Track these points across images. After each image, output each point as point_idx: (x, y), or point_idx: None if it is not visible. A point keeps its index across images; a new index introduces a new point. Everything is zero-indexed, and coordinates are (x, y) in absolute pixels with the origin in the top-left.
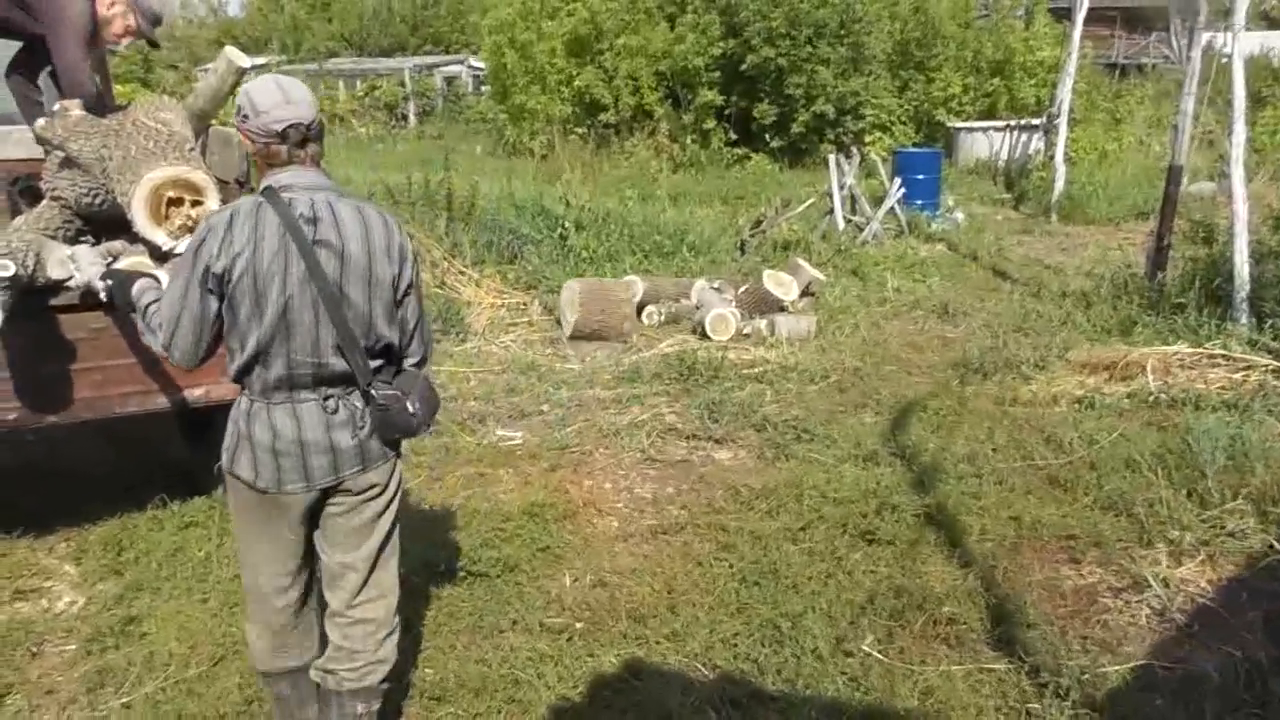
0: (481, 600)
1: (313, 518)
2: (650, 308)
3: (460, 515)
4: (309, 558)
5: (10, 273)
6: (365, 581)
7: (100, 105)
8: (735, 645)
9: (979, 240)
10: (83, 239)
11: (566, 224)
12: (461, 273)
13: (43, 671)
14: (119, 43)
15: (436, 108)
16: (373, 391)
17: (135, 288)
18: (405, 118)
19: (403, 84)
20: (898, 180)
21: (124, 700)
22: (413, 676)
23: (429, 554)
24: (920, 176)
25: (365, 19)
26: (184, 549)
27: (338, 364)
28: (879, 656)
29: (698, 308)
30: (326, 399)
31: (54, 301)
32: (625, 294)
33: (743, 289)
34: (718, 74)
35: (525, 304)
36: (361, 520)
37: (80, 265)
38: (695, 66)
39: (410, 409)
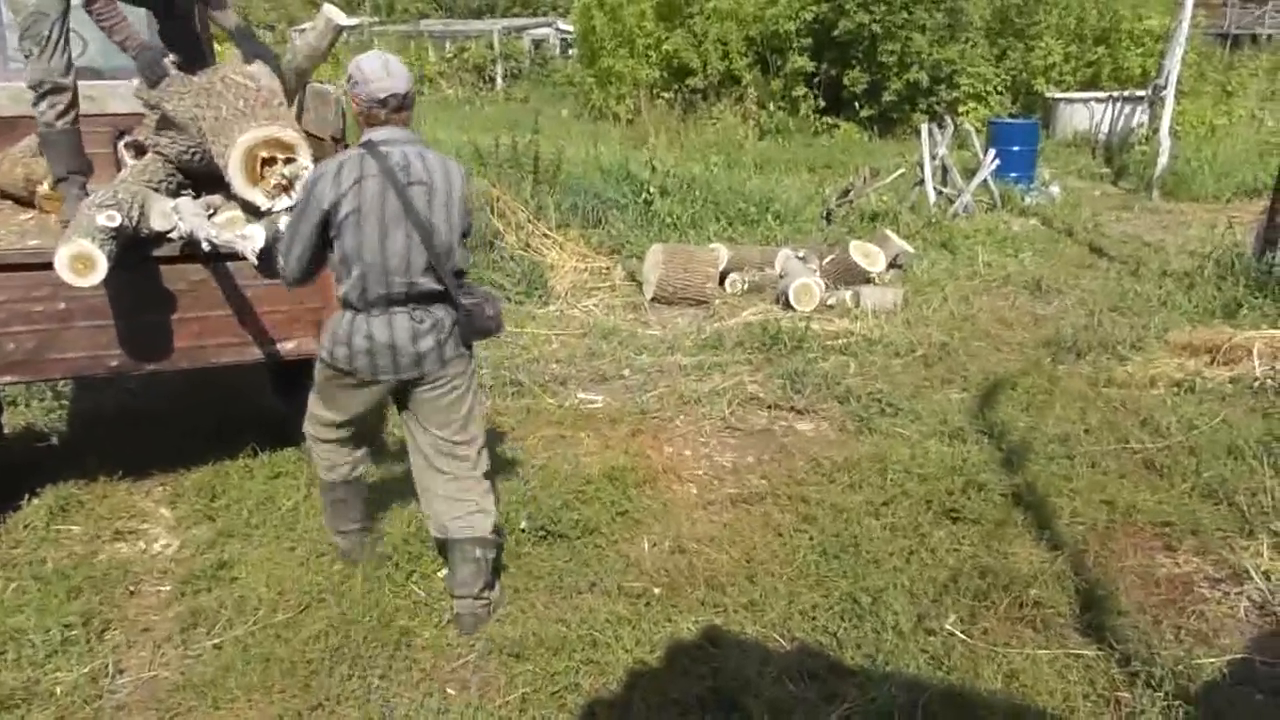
0: (561, 561)
1: (395, 398)
2: (733, 275)
3: (541, 476)
4: (372, 415)
5: (116, 223)
6: (463, 440)
7: (194, 61)
8: (814, 618)
9: (1075, 215)
10: (184, 192)
11: (651, 189)
12: (545, 235)
13: (139, 610)
14: None
15: (524, 70)
16: (462, 300)
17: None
18: (493, 80)
19: (491, 46)
20: (992, 152)
21: (215, 641)
22: (492, 632)
23: (510, 512)
24: (1015, 148)
25: None
26: (273, 498)
27: (426, 283)
28: (962, 636)
29: (781, 277)
30: (415, 311)
31: (156, 252)
32: (709, 260)
33: (828, 259)
34: (809, 39)
35: (608, 269)
36: (449, 400)
37: (184, 216)
38: (786, 31)
39: (488, 313)
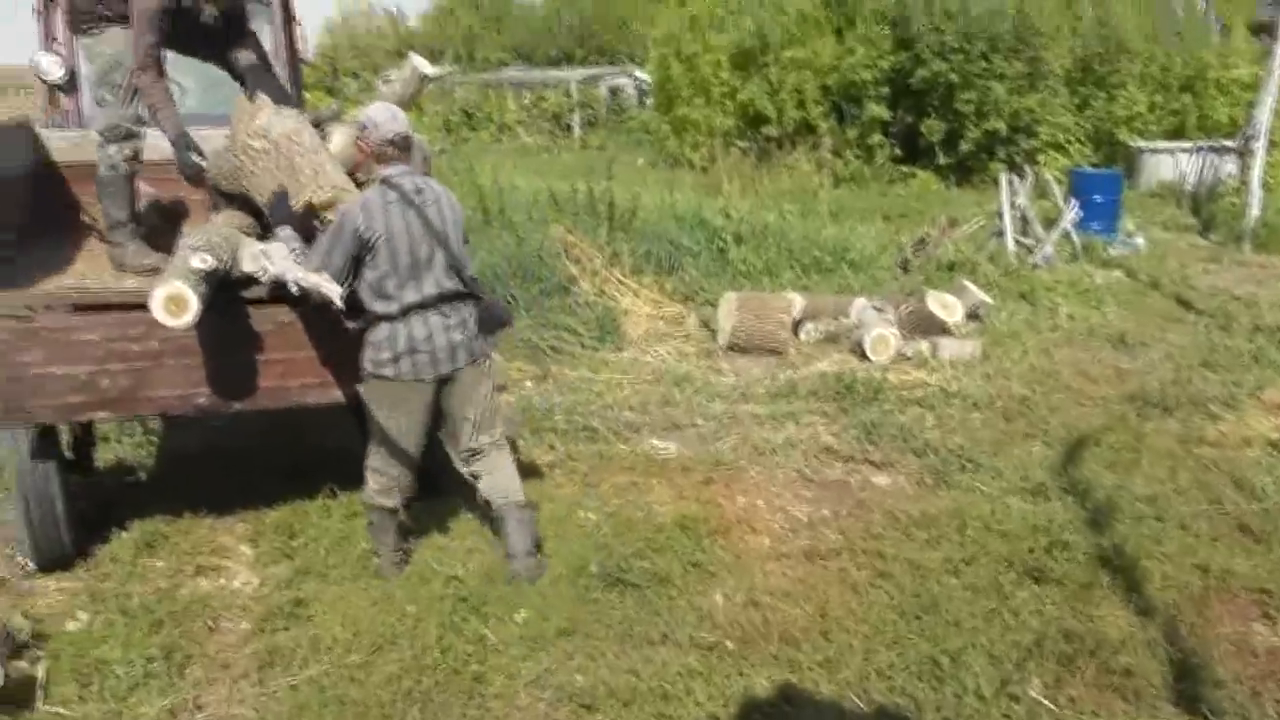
0: (632, 610)
1: (436, 400)
2: (808, 324)
3: (613, 522)
4: (430, 432)
5: (210, 266)
6: (489, 418)
7: (266, 88)
8: (891, 678)
9: (1161, 267)
10: (273, 235)
11: (725, 236)
12: (620, 282)
13: (219, 646)
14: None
15: (600, 118)
16: (481, 296)
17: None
18: (570, 128)
19: (569, 95)
20: (1073, 202)
21: (291, 681)
22: (563, 681)
23: (581, 557)
24: (1098, 198)
25: (535, 30)
26: (350, 537)
27: (449, 284)
28: (1047, 704)
29: (857, 326)
30: (444, 309)
31: (245, 294)
32: (783, 308)
33: (904, 309)
34: (885, 88)
35: (682, 315)
36: (479, 386)
37: (273, 260)
38: (863, 80)
39: (500, 307)
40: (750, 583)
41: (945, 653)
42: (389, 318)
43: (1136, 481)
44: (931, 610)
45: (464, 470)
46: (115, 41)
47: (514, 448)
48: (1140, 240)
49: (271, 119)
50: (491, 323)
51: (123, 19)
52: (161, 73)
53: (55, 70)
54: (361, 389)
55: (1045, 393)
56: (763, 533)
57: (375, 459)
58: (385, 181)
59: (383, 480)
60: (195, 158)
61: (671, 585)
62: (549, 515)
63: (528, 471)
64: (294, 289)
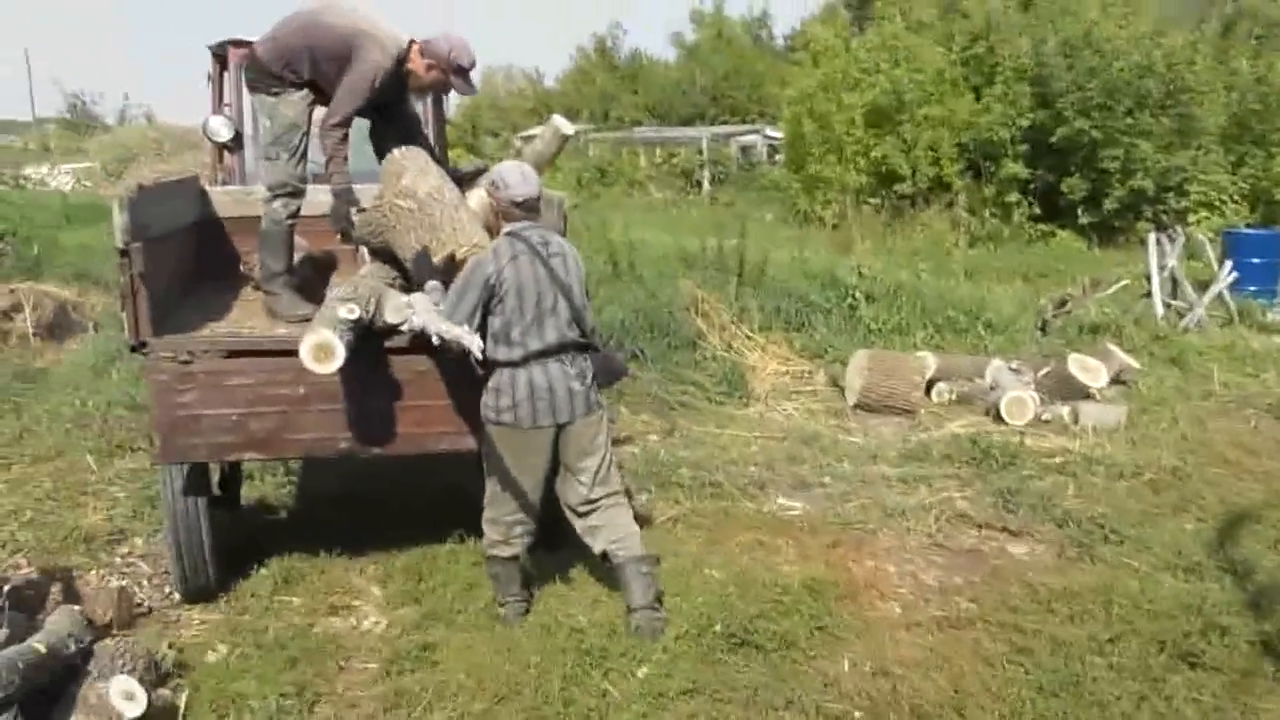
0: (757, 673)
1: (553, 450)
2: (941, 385)
3: (738, 581)
4: (547, 482)
5: (355, 316)
6: (606, 470)
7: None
8: None
9: None
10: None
11: (856, 294)
12: (748, 337)
13: (347, 685)
14: (424, 95)
15: (730, 175)
16: (599, 348)
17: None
18: (699, 184)
19: (700, 152)
20: (1228, 264)
21: None
22: None
23: (705, 616)
24: (1255, 260)
25: (667, 90)
26: (477, 585)
27: (571, 334)
28: None
29: (992, 388)
30: (564, 359)
31: (387, 344)
32: (915, 368)
33: (1044, 372)
34: (1024, 146)
35: (810, 373)
36: (594, 435)
37: (418, 312)
38: (1000, 138)
39: (619, 358)
40: (879, 651)
41: None
42: (511, 364)
43: None
44: (1074, 690)
45: (579, 524)
46: (296, 105)
47: (633, 500)
48: None
49: (416, 178)
50: (610, 374)
51: (305, 85)
52: (347, 135)
53: (224, 132)
54: (484, 438)
55: (1199, 464)
56: (892, 599)
57: (492, 509)
58: (511, 234)
59: (500, 530)
60: (354, 213)
61: (797, 649)
62: (672, 570)
63: (651, 526)
64: (435, 340)
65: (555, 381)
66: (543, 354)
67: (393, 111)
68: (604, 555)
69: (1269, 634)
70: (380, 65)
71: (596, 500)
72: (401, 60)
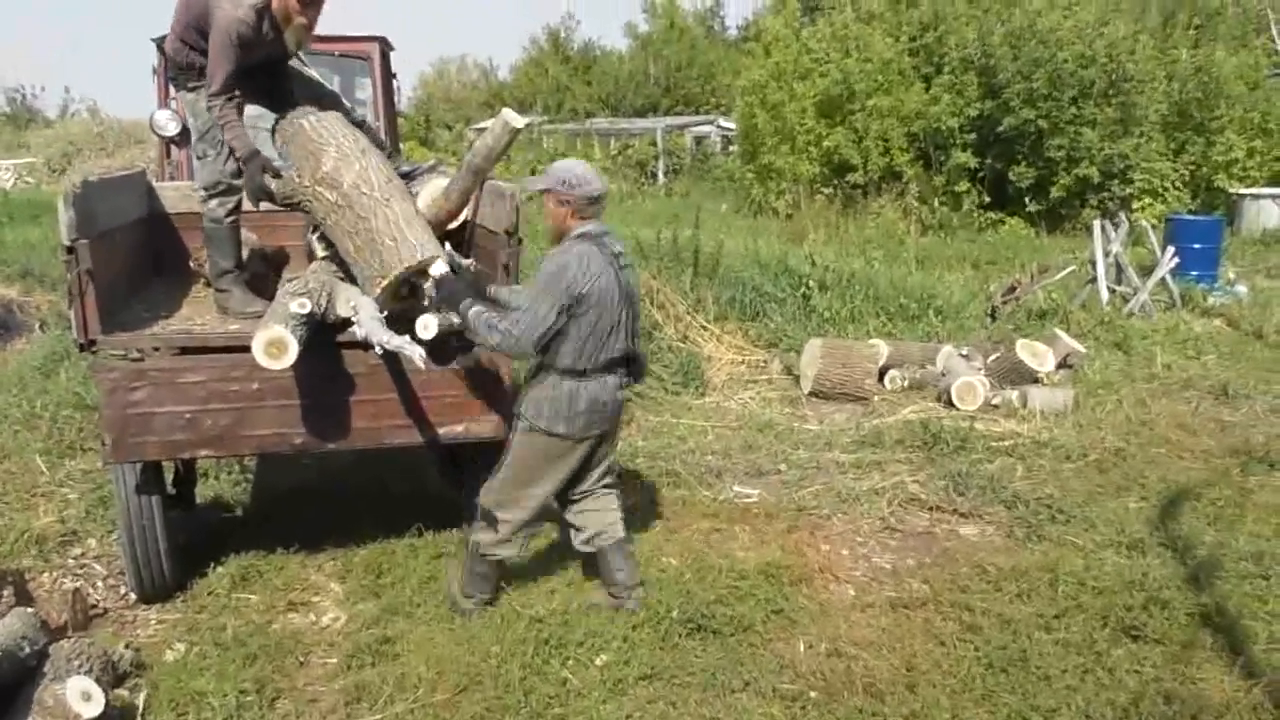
0: (714, 657)
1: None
2: (893, 372)
3: (695, 568)
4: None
5: (307, 310)
6: (613, 463)
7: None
8: None
9: (1265, 317)
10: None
11: (810, 283)
12: (704, 328)
13: (308, 680)
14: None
15: (685, 166)
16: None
17: (464, 303)
18: (655, 175)
19: (654, 143)
20: (1170, 249)
21: (376, 718)
22: None
23: (663, 603)
24: (1196, 246)
25: (621, 81)
26: (436, 578)
27: (628, 348)
28: None
29: (943, 375)
30: (619, 372)
31: (340, 338)
32: (868, 355)
33: (993, 357)
34: (972, 135)
35: (765, 362)
36: (615, 438)
37: (361, 320)
38: (949, 127)
39: (645, 358)
40: (834, 632)
41: (1037, 710)
42: (574, 375)
43: (1240, 538)
44: (1022, 665)
45: (572, 510)
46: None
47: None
48: (1242, 288)
49: (338, 164)
50: (639, 378)
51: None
52: (235, 101)
53: (171, 126)
54: (517, 439)
55: (1141, 445)
56: (846, 582)
57: (505, 510)
58: (592, 239)
59: (508, 529)
60: (269, 179)
61: (754, 633)
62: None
63: None
64: (378, 349)
65: (610, 393)
66: (606, 367)
67: (279, 70)
68: (586, 542)
69: (1207, 607)
70: (234, 19)
71: (594, 487)
72: (262, 10)
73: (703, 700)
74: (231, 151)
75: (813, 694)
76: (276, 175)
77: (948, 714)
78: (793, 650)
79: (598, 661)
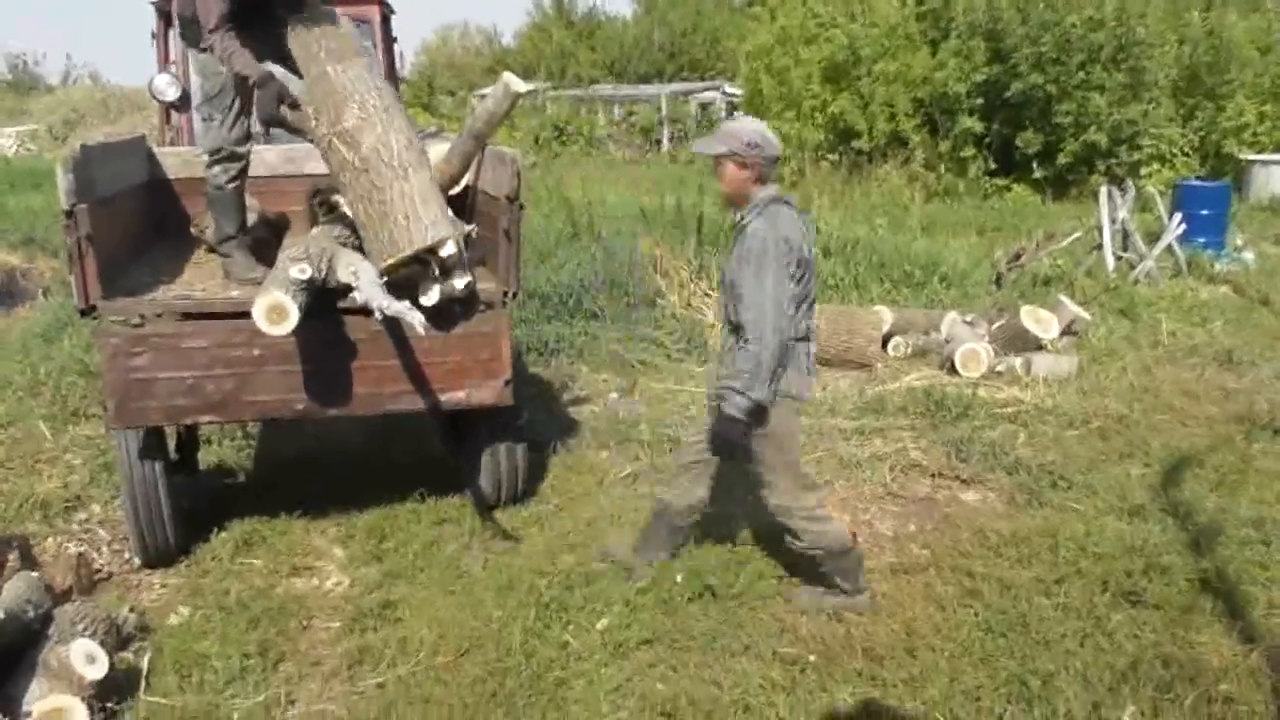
0: (715, 621)
1: None
2: (897, 339)
3: (696, 533)
4: None
5: (307, 276)
6: None
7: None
8: (978, 699)
9: (1272, 283)
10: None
11: (814, 250)
12: (707, 295)
13: (310, 644)
14: None
15: (690, 133)
16: None
17: (713, 392)
18: (659, 142)
19: (659, 110)
20: (1177, 215)
21: (379, 680)
22: (645, 690)
23: (665, 568)
24: (1204, 212)
25: (626, 47)
26: (438, 543)
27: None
28: None
29: (947, 341)
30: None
31: (342, 304)
32: (872, 322)
33: (997, 324)
34: (979, 100)
35: None
36: None
37: (361, 285)
38: (956, 93)
39: None
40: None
41: (1035, 674)
42: (800, 339)
43: (1242, 504)
44: (1021, 630)
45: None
46: None
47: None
48: (1249, 255)
49: (361, 124)
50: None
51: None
52: (234, 31)
53: (170, 91)
54: (772, 422)
55: (1145, 411)
56: None
57: (799, 498)
58: (784, 202)
59: (804, 499)
60: (284, 110)
61: (755, 598)
62: (633, 525)
63: (611, 482)
64: (378, 314)
65: (812, 355)
66: (807, 330)
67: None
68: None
69: (1207, 572)
70: None
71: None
72: None
73: (703, 663)
74: (244, 80)
75: (812, 657)
76: (295, 106)
77: (946, 677)
78: (793, 614)
79: (599, 625)
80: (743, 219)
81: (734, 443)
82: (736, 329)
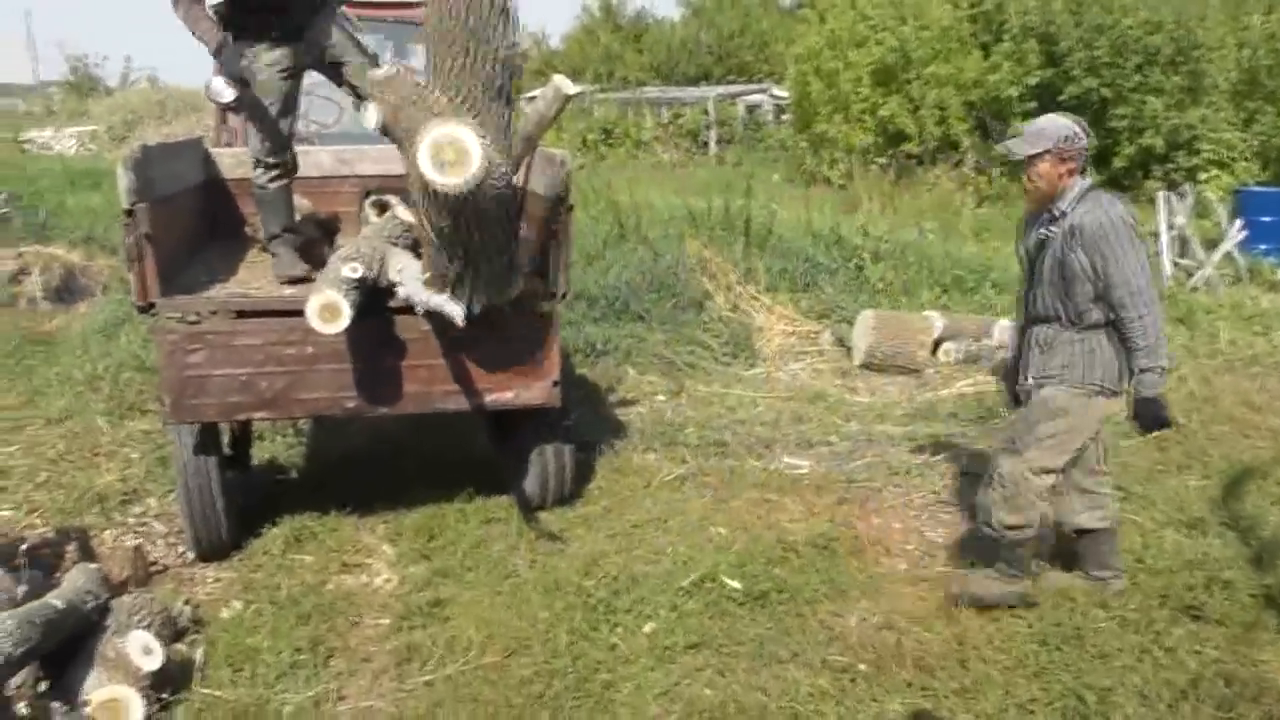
0: (763, 627)
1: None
2: (947, 344)
3: (745, 538)
4: None
5: (359, 275)
6: None
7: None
8: (1032, 712)
9: None
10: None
11: (863, 254)
12: (754, 298)
13: (360, 640)
14: None
15: (737, 135)
16: None
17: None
18: (706, 144)
19: (706, 112)
20: (1239, 222)
21: (427, 678)
22: (693, 694)
23: (714, 573)
24: (1266, 219)
25: (673, 49)
26: (486, 543)
27: None
28: None
29: (999, 348)
30: None
31: (393, 303)
32: (922, 328)
33: None
34: (1033, 104)
35: (816, 333)
36: None
37: (405, 280)
38: (1008, 96)
39: None
40: (885, 605)
41: (1091, 689)
42: (1107, 329)
43: None
44: (1076, 643)
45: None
46: (266, 70)
47: (640, 458)
48: None
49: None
50: None
51: (276, 38)
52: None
53: (226, 93)
54: (1067, 405)
55: (1204, 422)
56: (898, 555)
57: (1034, 477)
58: (1102, 189)
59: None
60: (236, 86)
61: (803, 604)
62: (679, 528)
63: (658, 485)
64: (419, 310)
65: None
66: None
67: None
68: (1102, 519)
69: (1271, 588)
70: None
71: None
72: None
73: (750, 670)
74: (204, 42)
75: (862, 666)
76: (375, 63)
77: (1000, 691)
78: (843, 622)
79: (646, 629)
80: (1059, 211)
81: (1164, 420)
82: (1047, 320)
